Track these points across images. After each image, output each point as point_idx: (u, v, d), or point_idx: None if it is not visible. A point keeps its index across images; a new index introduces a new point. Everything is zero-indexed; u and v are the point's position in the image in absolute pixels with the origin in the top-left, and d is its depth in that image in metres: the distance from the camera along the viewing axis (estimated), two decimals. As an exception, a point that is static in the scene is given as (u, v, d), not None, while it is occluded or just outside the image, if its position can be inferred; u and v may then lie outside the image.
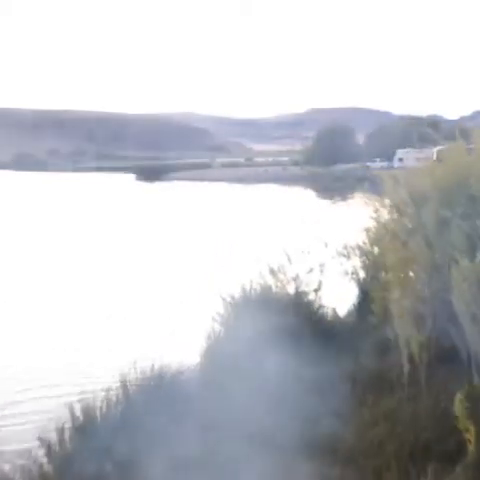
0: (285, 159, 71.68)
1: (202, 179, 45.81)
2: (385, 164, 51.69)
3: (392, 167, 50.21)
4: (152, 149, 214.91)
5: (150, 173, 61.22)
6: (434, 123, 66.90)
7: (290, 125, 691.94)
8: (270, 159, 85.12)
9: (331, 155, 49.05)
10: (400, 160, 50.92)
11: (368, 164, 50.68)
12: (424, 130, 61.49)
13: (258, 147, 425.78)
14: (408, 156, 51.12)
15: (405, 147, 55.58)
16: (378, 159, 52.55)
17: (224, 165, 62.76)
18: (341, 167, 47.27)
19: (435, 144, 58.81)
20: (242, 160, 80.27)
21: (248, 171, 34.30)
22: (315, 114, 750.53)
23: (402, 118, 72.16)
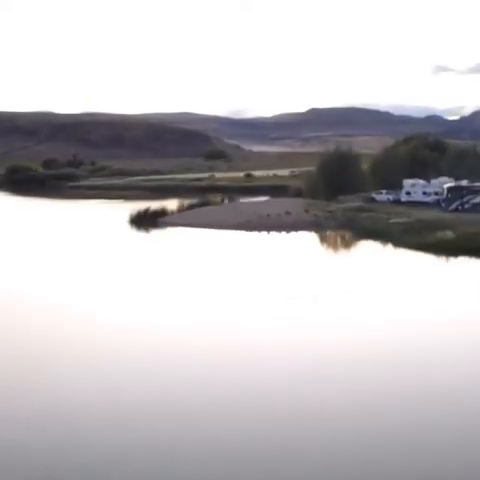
0: (286, 181, 69.07)
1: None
2: (391, 197, 49.51)
3: (399, 200, 48.33)
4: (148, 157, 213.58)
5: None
6: (439, 145, 65.07)
7: (290, 125, 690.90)
8: (271, 174, 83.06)
9: (334, 185, 47.02)
10: (407, 194, 48.87)
11: (373, 195, 48.43)
12: (429, 154, 59.82)
13: (257, 148, 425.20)
14: (415, 189, 49.35)
15: (411, 176, 53.71)
16: (384, 191, 50.11)
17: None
18: (346, 200, 45.02)
19: (440, 172, 57.64)
20: (242, 175, 78.02)
21: (249, 211, 31.65)
22: (315, 114, 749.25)
23: (406, 141, 70.31)
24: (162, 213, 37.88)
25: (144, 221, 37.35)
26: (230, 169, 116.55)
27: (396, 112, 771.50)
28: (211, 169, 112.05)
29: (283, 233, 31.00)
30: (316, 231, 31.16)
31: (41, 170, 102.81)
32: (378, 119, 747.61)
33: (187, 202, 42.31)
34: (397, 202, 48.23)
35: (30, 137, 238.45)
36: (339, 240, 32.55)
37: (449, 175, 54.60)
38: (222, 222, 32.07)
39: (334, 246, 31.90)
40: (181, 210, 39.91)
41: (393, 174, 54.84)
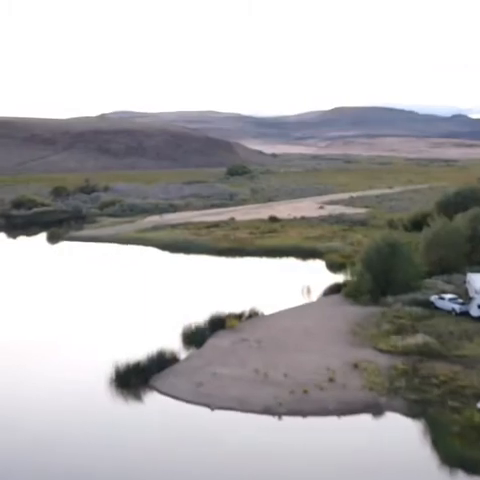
0: (318, 242, 59.96)
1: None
2: (457, 306, 35.36)
3: (466, 312, 34.34)
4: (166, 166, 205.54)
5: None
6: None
7: (313, 124, 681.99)
8: (298, 216, 74.57)
9: (381, 280, 37.74)
10: None
11: (433, 299, 36.50)
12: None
13: (280, 148, 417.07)
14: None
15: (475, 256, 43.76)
16: (447, 296, 36.67)
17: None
18: (397, 301, 34.88)
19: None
20: (266, 217, 69.81)
21: (278, 375, 21.36)
22: (339, 113, 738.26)
23: (457, 194, 60.89)
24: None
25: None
26: (253, 197, 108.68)
27: (421, 111, 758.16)
28: (232, 198, 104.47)
29: (327, 421, 21.75)
30: (374, 415, 21.92)
31: (48, 201, 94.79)
32: (403, 118, 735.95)
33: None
34: (465, 314, 35.16)
35: (47, 146, 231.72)
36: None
37: None
38: (243, 399, 22.74)
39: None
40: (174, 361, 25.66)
41: (451, 256, 45.11)
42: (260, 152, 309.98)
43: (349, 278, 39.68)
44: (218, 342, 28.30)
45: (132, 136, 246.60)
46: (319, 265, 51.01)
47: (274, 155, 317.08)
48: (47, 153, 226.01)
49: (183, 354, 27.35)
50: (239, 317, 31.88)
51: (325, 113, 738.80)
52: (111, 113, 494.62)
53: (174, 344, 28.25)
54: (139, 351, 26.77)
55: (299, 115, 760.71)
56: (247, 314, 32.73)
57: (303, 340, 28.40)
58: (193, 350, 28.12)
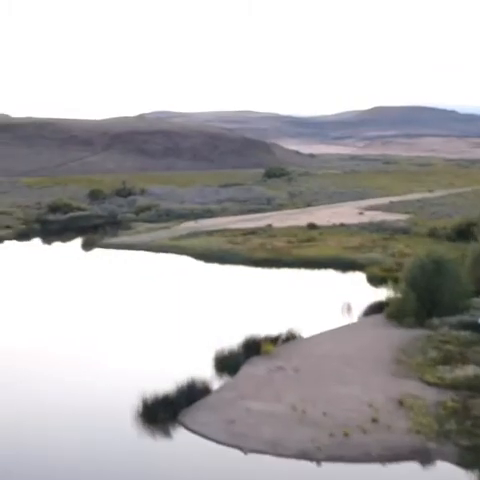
0: (358, 253, 57.81)
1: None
2: None
3: None
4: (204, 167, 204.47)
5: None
6: None
7: (352, 124, 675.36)
8: (337, 222, 72.80)
9: (427, 300, 35.33)
10: None
11: None
12: None
13: (317, 149, 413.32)
14: None
15: None
16: None
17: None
18: (444, 323, 31.82)
19: None
20: (305, 225, 68.26)
21: (317, 414, 19.77)
22: (378, 112, 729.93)
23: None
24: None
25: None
26: (291, 201, 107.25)
27: (462, 110, 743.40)
28: (269, 202, 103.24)
29: (369, 469, 19.96)
30: (422, 463, 19.94)
31: (84, 205, 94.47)
32: (443, 117, 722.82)
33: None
34: None
35: (86, 147, 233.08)
36: None
37: None
38: (278, 441, 21.05)
39: None
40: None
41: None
42: (297, 152, 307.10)
43: (391, 296, 37.59)
44: (252, 370, 26.56)
45: (169, 137, 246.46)
46: (359, 278, 48.85)
47: (311, 155, 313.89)
48: (85, 154, 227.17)
49: (215, 383, 25.62)
50: (275, 340, 30.12)
51: (363, 112, 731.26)
52: (149, 113, 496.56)
53: (205, 371, 26.59)
54: (168, 377, 25.21)
55: (337, 114, 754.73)
56: (284, 336, 30.94)
57: (343, 369, 26.54)
58: (226, 378, 26.44)
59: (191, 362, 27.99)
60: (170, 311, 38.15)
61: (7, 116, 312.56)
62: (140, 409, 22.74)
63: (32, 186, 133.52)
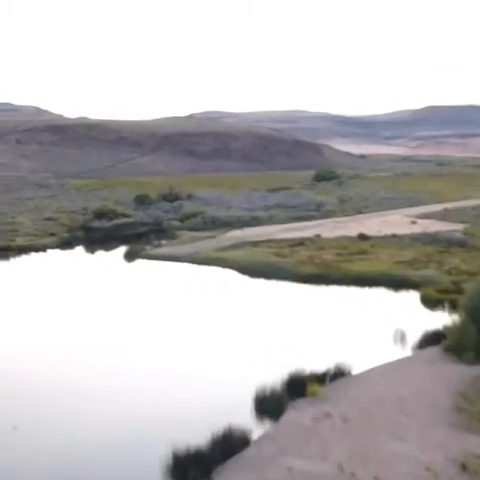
0: (409, 268, 54.75)
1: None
2: None
3: None
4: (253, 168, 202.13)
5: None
6: None
7: (404, 123, 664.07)
8: (389, 232, 69.86)
9: None
10: None
11: None
12: None
13: (369, 149, 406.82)
14: None
15: None
16: None
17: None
18: None
19: None
20: (355, 235, 65.56)
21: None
22: (431, 112, 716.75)
23: None
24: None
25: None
26: (341, 207, 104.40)
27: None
28: (318, 208, 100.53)
29: None
30: None
31: (129, 211, 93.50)
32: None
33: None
34: None
35: (135, 149, 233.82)
36: None
37: None
38: None
39: None
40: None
41: None
42: (348, 153, 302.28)
43: (449, 325, 34.62)
44: (296, 418, 24.08)
45: (218, 138, 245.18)
46: (412, 298, 45.87)
47: (362, 156, 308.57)
48: (134, 155, 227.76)
49: (254, 431, 23.29)
50: (322, 378, 27.63)
51: (416, 112, 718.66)
52: (199, 113, 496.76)
53: (243, 415, 24.27)
54: (202, 419, 23.04)
55: (388, 114, 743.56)
56: (331, 373, 28.43)
57: (398, 418, 23.86)
58: (266, 425, 24.02)
59: (228, 400, 25.73)
60: (208, 335, 35.88)
61: (61, 117, 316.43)
62: (169, 464, 20.54)
63: (80, 189, 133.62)
